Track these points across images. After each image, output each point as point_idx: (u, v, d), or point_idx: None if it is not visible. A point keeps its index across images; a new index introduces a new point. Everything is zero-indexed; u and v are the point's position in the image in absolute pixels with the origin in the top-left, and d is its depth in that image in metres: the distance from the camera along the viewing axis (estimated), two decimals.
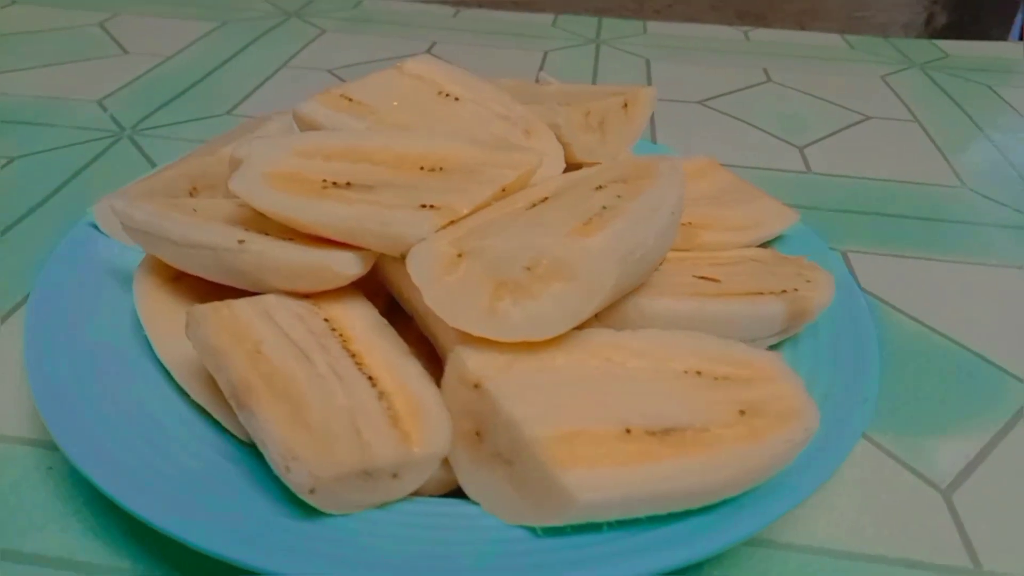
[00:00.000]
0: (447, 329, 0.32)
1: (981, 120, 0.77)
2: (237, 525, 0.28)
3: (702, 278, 0.38)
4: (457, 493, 0.31)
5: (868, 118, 0.76)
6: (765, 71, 0.87)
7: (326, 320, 0.33)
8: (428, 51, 0.87)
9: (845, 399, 0.35)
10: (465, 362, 0.30)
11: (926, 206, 0.62)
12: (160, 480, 0.30)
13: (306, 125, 0.39)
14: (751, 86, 0.83)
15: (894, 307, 0.50)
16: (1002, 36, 1.07)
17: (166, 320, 0.36)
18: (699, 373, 0.31)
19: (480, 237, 0.31)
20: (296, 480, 0.27)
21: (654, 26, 1.00)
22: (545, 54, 0.89)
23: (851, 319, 0.40)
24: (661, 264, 0.38)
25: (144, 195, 0.41)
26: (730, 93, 0.81)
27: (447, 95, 0.41)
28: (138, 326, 0.37)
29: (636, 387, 0.30)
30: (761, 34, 0.99)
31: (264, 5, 0.99)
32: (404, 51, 0.86)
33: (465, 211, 0.33)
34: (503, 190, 0.35)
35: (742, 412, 0.29)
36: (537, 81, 0.50)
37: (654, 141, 0.69)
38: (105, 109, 0.70)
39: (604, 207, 0.33)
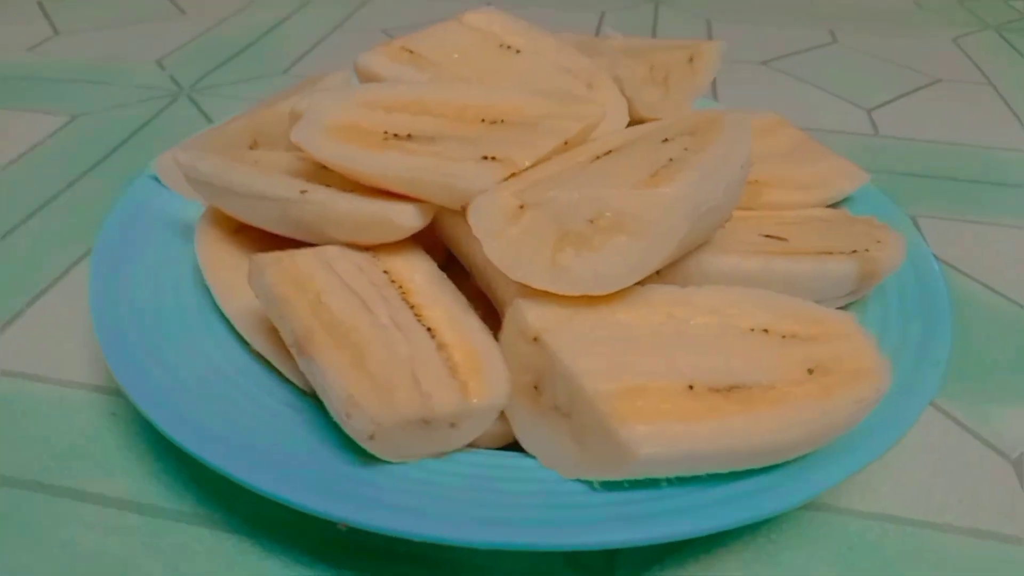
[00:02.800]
0: (507, 282, 0.31)
1: None
2: (300, 472, 0.28)
3: (768, 236, 0.37)
4: (514, 446, 0.31)
5: (938, 80, 0.73)
6: (831, 32, 0.84)
7: (385, 272, 0.33)
8: None
9: (914, 363, 0.34)
10: (525, 315, 0.30)
11: (998, 171, 0.59)
12: (224, 427, 0.30)
13: (367, 77, 0.39)
14: (816, 47, 0.80)
15: (965, 273, 0.48)
16: None
17: (228, 271, 0.37)
18: (766, 331, 0.30)
19: (543, 189, 0.31)
20: (356, 426, 0.27)
21: None
22: (603, 14, 0.87)
23: (922, 282, 0.39)
24: (725, 222, 0.37)
25: (206, 148, 0.41)
26: (794, 54, 0.78)
27: (508, 47, 0.40)
28: (200, 277, 0.37)
29: (699, 344, 0.29)
30: None
31: None
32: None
33: (527, 163, 0.33)
34: (565, 143, 0.34)
35: (810, 370, 0.29)
36: (598, 35, 0.48)
37: (715, 97, 0.68)
38: (164, 68, 0.71)
39: (671, 159, 0.32)
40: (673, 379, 0.28)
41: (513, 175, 0.32)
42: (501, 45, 0.40)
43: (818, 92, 0.70)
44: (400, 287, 0.33)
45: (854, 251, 0.36)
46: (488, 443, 0.31)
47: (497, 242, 0.30)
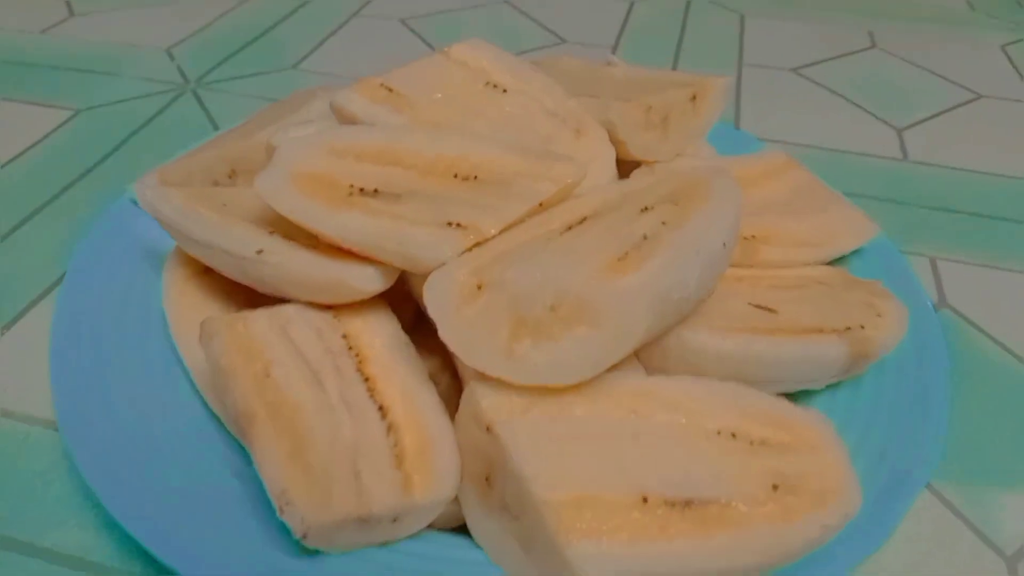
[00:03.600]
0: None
1: None
2: (232, 560, 0.27)
3: (758, 307, 0.35)
4: (466, 528, 0.30)
5: (980, 97, 0.69)
6: (870, 35, 0.79)
7: (344, 336, 0.32)
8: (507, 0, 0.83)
9: (902, 460, 0.32)
10: (480, 401, 0.28)
11: None
12: (162, 499, 0.29)
13: (344, 117, 0.37)
14: (853, 52, 0.76)
15: (980, 328, 0.45)
16: None
17: (192, 319, 0.35)
18: (734, 435, 0.28)
19: (504, 267, 0.29)
20: (290, 521, 0.26)
21: None
22: (631, 5, 0.83)
23: (921, 360, 0.36)
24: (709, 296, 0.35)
25: (181, 178, 0.40)
26: (828, 60, 0.74)
27: (494, 86, 0.38)
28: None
29: (660, 447, 0.27)
30: None
31: None
32: None
33: (493, 232, 0.31)
34: (540, 205, 0.32)
35: (775, 487, 0.27)
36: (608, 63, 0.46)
37: (738, 108, 0.65)
38: (172, 59, 0.69)
39: (645, 236, 0.30)
40: (627, 490, 0.26)
41: (477, 244, 0.31)
42: (487, 83, 0.38)
43: (849, 108, 0.66)
44: (358, 354, 0.31)
45: (848, 328, 0.34)
46: (442, 523, 0.30)
47: (451, 323, 0.28)
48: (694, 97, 0.41)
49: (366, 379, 0.30)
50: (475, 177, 0.33)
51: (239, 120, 0.49)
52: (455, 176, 0.33)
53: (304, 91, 0.47)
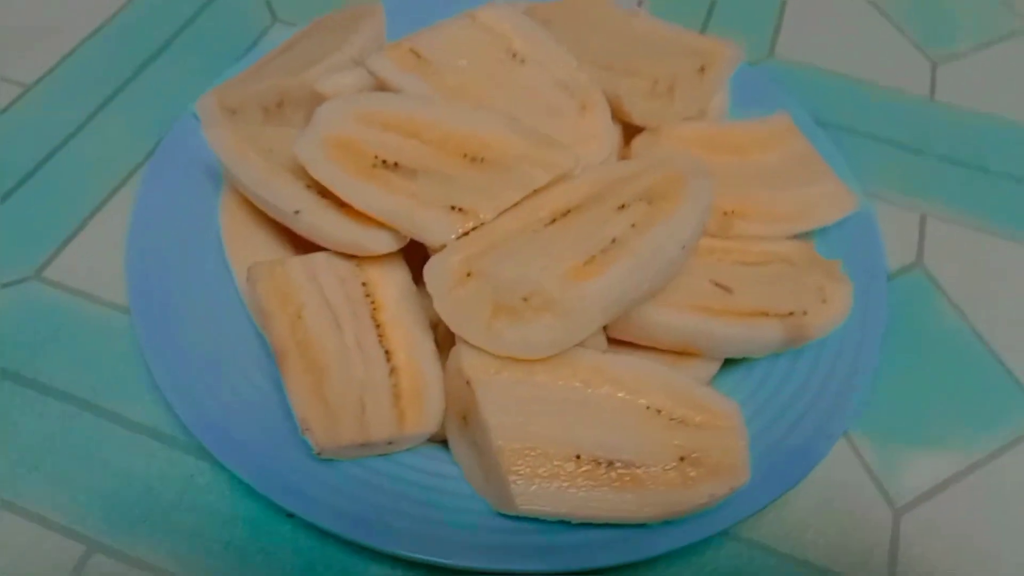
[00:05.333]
0: None
1: None
2: (261, 457, 0.36)
3: (717, 285, 0.40)
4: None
5: None
6: None
7: (364, 284, 0.39)
8: None
9: (818, 422, 0.39)
10: (463, 360, 0.35)
11: None
12: (212, 399, 0.38)
13: (377, 80, 0.42)
14: None
15: (945, 294, 0.50)
16: None
17: (246, 244, 0.42)
18: (659, 411, 0.35)
19: (490, 259, 0.35)
20: (309, 440, 0.35)
21: None
22: None
23: (864, 332, 0.42)
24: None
25: (236, 102, 0.46)
26: None
27: (514, 55, 0.42)
28: None
29: (599, 415, 0.35)
30: None
31: None
32: None
33: (490, 217, 0.37)
34: (534, 191, 0.38)
35: (682, 458, 0.34)
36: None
37: (779, 25, 0.65)
38: None
39: (614, 240, 0.35)
40: (565, 447, 0.34)
41: (475, 228, 0.36)
42: (507, 50, 0.42)
43: (889, 29, 0.66)
44: (373, 302, 0.38)
45: (791, 313, 0.39)
46: (437, 436, 0.38)
47: (445, 301, 0.35)
48: (703, 67, 0.44)
49: (377, 325, 0.38)
50: (482, 159, 0.38)
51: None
52: (464, 155, 0.38)
53: (357, 8, 0.51)
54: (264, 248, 0.42)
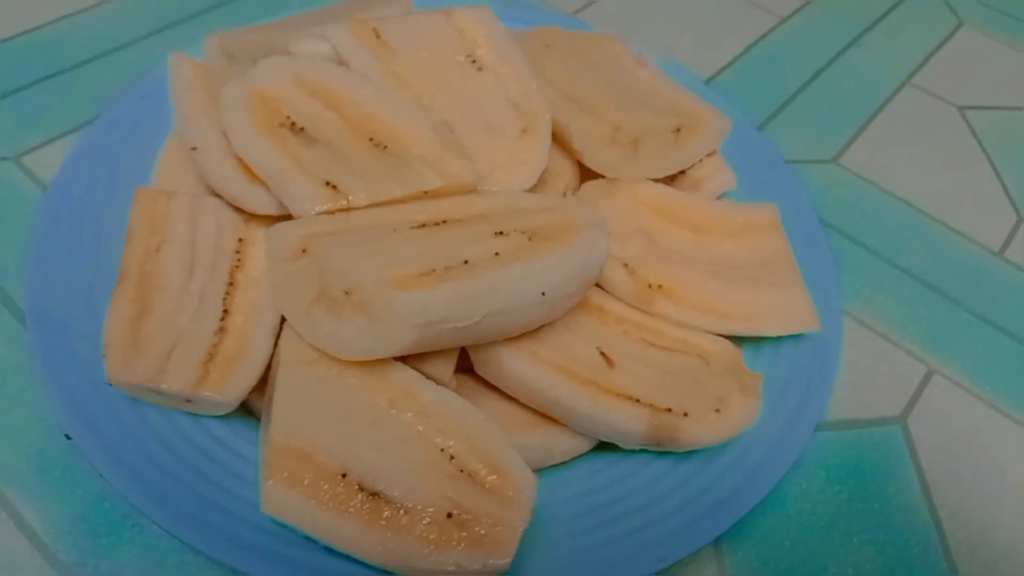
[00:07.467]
0: None
1: None
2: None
3: (602, 354, 0.36)
4: None
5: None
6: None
7: (241, 240, 0.37)
8: None
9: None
10: (282, 339, 0.33)
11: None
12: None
13: (331, 48, 0.40)
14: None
15: (916, 461, 0.42)
16: None
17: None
18: (452, 457, 0.31)
19: (328, 244, 0.33)
20: (105, 364, 0.33)
21: None
22: None
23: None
24: (580, 316, 0.37)
25: (235, 48, 0.46)
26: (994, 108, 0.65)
27: (473, 61, 0.40)
28: None
29: (388, 440, 0.31)
30: None
31: None
32: None
33: (362, 204, 0.34)
34: (424, 193, 0.35)
35: (449, 515, 0.30)
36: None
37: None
38: None
39: (466, 261, 0.32)
40: (336, 461, 0.31)
41: (342, 209, 0.34)
42: (469, 55, 0.40)
43: (984, 168, 0.59)
44: (240, 260, 0.37)
45: (668, 410, 0.34)
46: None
47: (274, 271, 0.33)
48: (679, 129, 0.41)
49: (231, 283, 0.36)
50: (384, 147, 0.36)
51: None
52: (370, 140, 0.36)
53: None
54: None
